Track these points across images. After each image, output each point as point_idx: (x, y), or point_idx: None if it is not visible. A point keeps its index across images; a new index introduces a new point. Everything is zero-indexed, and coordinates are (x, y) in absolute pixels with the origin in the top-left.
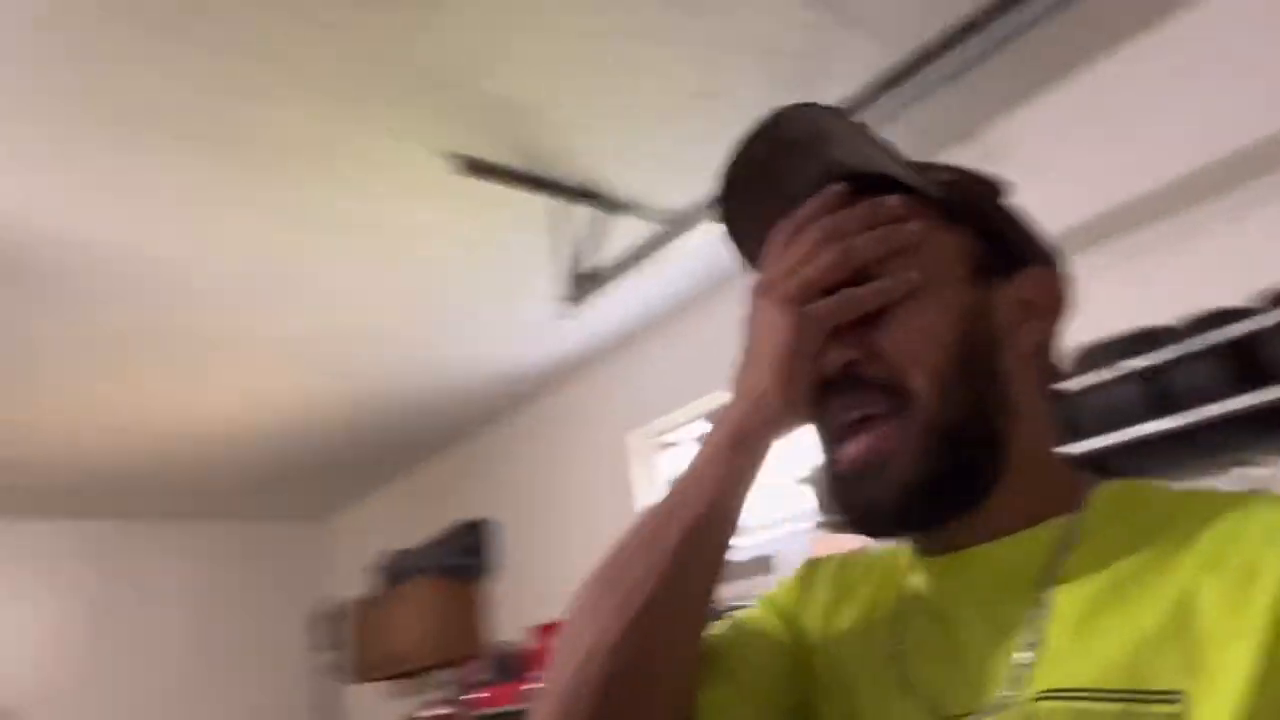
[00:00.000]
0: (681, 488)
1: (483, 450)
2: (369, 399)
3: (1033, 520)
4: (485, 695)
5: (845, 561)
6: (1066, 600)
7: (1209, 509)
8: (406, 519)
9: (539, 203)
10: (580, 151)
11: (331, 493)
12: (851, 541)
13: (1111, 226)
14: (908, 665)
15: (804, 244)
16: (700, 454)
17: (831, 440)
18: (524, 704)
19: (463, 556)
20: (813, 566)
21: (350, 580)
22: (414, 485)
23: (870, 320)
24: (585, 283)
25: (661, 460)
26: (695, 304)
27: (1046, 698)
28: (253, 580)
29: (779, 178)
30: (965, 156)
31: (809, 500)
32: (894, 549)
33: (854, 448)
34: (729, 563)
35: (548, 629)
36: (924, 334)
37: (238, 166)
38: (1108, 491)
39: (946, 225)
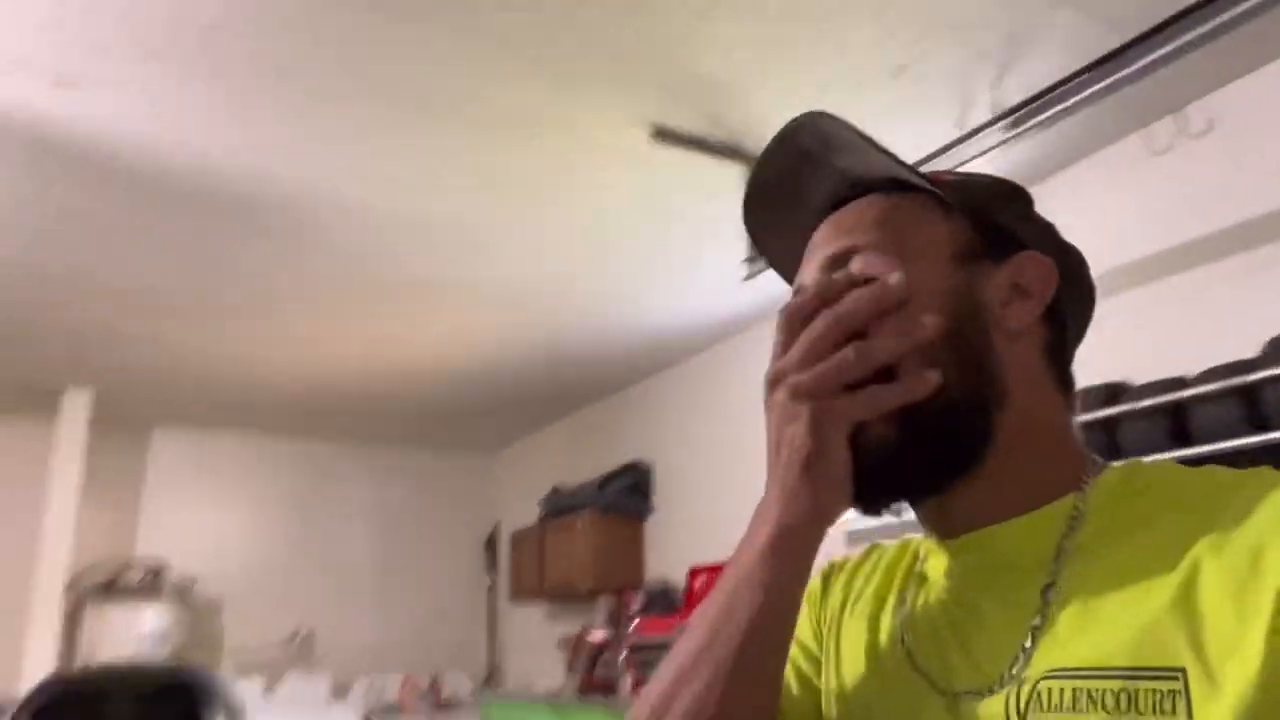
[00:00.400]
0: (732, 591)
1: (646, 396)
2: (549, 344)
3: (1040, 501)
4: (643, 624)
5: (861, 560)
6: (1071, 581)
7: (1214, 488)
8: (569, 456)
9: (729, 172)
10: (774, 125)
11: (505, 428)
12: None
13: None
14: (915, 645)
15: (818, 336)
16: (746, 553)
17: None
18: (675, 636)
19: (626, 495)
20: (830, 570)
21: (514, 509)
22: (578, 425)
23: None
24: None
25: None
26: None
27: (1048, 677)
28: (429, 502)
29: (797, 187)
30: (1167, 131)
31: None
32: (910, 540)
33: None
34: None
35: (698, 571)
36: (910, 319)
37: (458, 134)
38: (1114, 471)
39: (942, 218)
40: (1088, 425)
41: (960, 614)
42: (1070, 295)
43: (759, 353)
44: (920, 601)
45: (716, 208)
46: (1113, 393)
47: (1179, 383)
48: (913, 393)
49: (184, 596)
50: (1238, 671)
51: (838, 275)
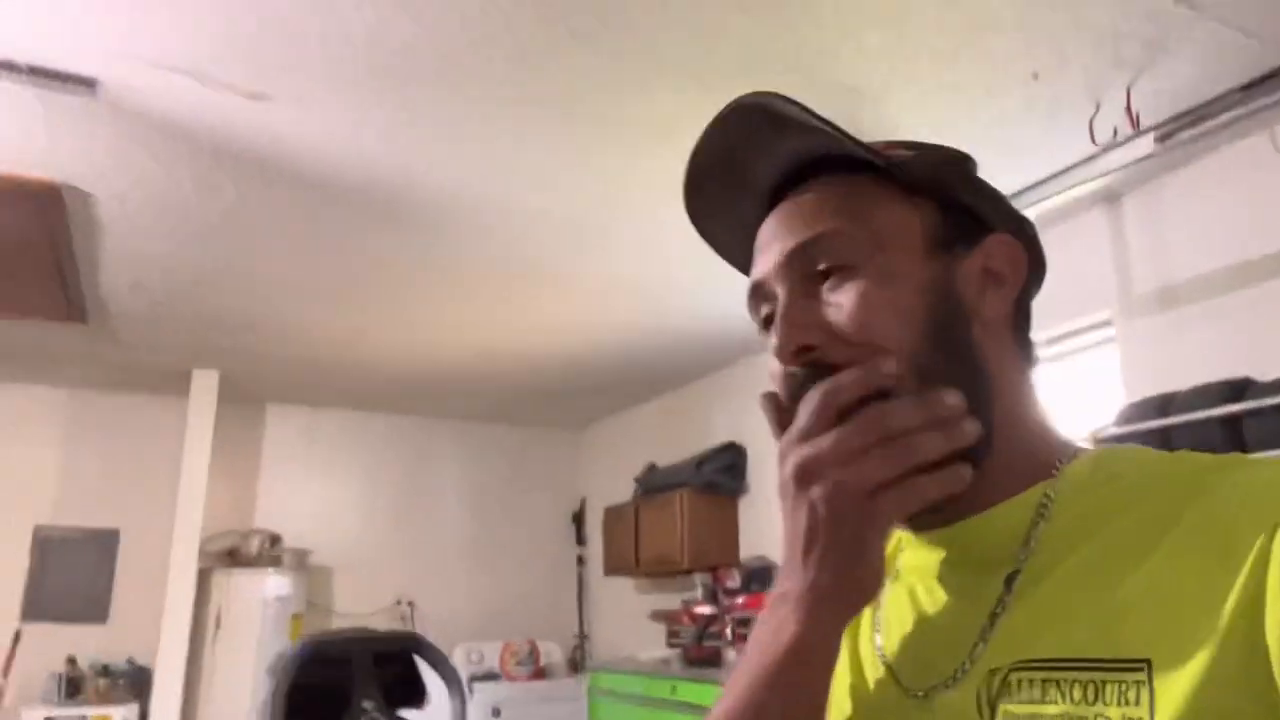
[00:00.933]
0: (760, 701)
1: (740, 379)
2: (645, 329)
3: (1014, 490)
4: (740, 601)
5: None
6: (1038, 570)
7: (1185, 476)
8: (660, 435)
9: None
10: (906, 130)
11: (593, 407)
12: None
13: None
14: (886, 642)
15: (858, 432)
16: (772, 652)
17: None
18: None
19: (723, 474)
20: None
21: (599, 485)
22: (670, 405)
23: (830, 297)
24: None
25: None
26: None
27: (1018, 668)
28: (520, 477)
29: (742, 168)
30: None
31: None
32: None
33: None
34: None
35: None
36: (884, 315)
37: (597, 137)
38: (1083, 459)
39: (906, 199)
40: (1210, 422)
41: (929, 607)
42: (1032, 271)
43: None
44: (892, 597)
45: None
46: (1237, 389)
47: None
48: (954, 485)
49: (301, 563)
50: (1201, 661)
51: (886, 370)
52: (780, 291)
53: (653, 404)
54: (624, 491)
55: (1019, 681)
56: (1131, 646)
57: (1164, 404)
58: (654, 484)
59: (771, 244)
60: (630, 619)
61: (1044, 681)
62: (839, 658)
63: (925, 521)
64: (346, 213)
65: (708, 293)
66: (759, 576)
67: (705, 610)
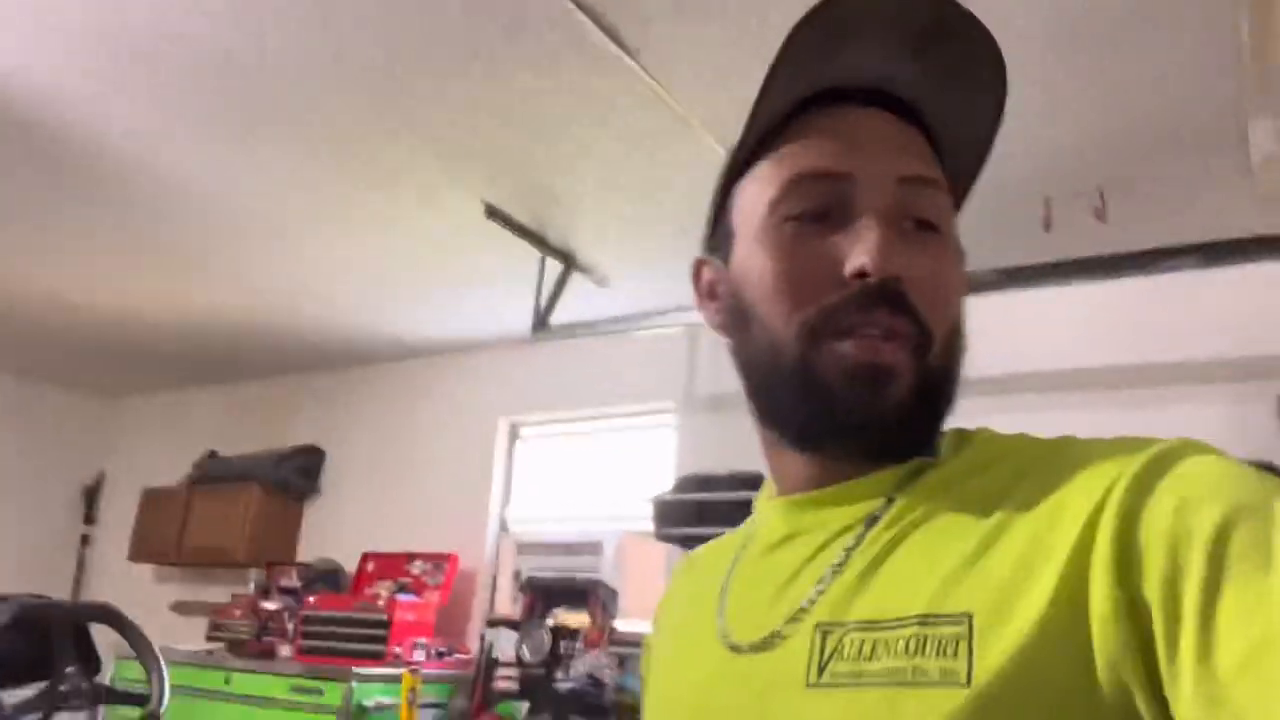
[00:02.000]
0: None
1: (322, 384)
2: (229, 312)
3: (900, 459)
4: (317, 600)
5: (709, 547)
6: (877, 537)
7: (1035, 450)
8: (223, 424)
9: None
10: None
11: (137, 380)
12: (659, 555)
13: None
14: (725, 600)
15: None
16: None
17: (837, 335)
18: (346, 612)
19: (298, 475)
20: (678, 566)
21: (139, 462)
22: (241, 396)
23: (912, 246)
24: (541, 319)
25: (498, 448)
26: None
27: (841, 627)
28: (24, 437)
29: (915, 34)
30: None
31: (635, 497)
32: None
33: (874, 350)
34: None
35: (369, 556)
36: (952, 291)
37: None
38: (950, 433)
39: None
40: (734, 502)
41: (769, 567)
42: None
43: (443, 381)
44: (743, 562)
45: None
46: (757, 480)
47: None
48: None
49: None
50: (1022, 616)
51: None
52: (874, 205)
53: (219, 390)
54: (168, 474)
55: (851, 642)
56: (954, 603)
57: (704, 482)
58: (217, 473)
59: (881, 149)
60: (145, 608)
61: (873, 641)
62: (674, 628)
63: (808, 482)
64: None
65: (323, 298)
66: (328, 579)
67: (270, 606)
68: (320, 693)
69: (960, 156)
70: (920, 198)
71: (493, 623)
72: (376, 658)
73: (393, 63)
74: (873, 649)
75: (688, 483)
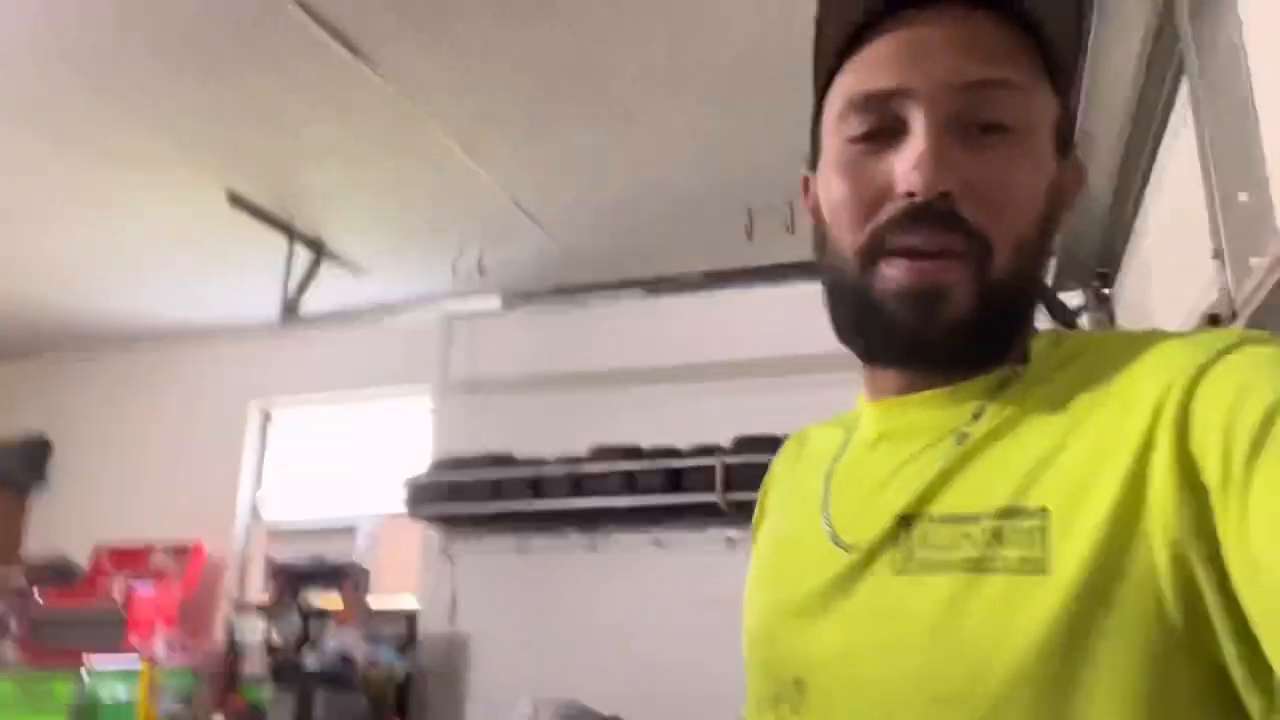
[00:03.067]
0: None
1: (46, 370)
2: None
3: (995, 366)
4: (46, 597)
5: (818, 427)
6: (975, 439)
7: (1115, 344)
8: None
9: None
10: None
11: None
12: (416, 537)
13: None
14: (830, 497)
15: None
16: None
17: (886, 256)
18: (77, 609)
19: (22, 467)
20: (791, 440)
21: None
22: None
23: (974, 153)
24: (290, 306)
25: (246, 432)
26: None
27: (938, 521)
28: None
29: None
30: None
31: (393, 481)
32: (843, 416)
33: (920, 273)
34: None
35: (104, 549)
36: (1021, 195)
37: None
38: (1044, 336)
39: (1049, 85)
40: (482, 482)
41: (871, 468)
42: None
43: (185, 366)
44: (843, 461)
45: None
46: (501, 460)
47: None
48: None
49: None
50: (1094, 508)
51: None
52: (927, 118)
53: None
54: None
55: (938, 532)
56: (1033, 497)
57: (456, 463)
58: None
59: (941, 55)
60: None
61: (957, 532)
62: (781, 511)
63: (904, 387)
64: None
65: (51, 281)
66: (58, 574)
67: None
68: (49, 692)
69: (1059, 48)
70: (988, 100)
71: (241, 608)
72: (113, 652)
73: (120, 53)
74: (955, 540)
75: (441, 464)
